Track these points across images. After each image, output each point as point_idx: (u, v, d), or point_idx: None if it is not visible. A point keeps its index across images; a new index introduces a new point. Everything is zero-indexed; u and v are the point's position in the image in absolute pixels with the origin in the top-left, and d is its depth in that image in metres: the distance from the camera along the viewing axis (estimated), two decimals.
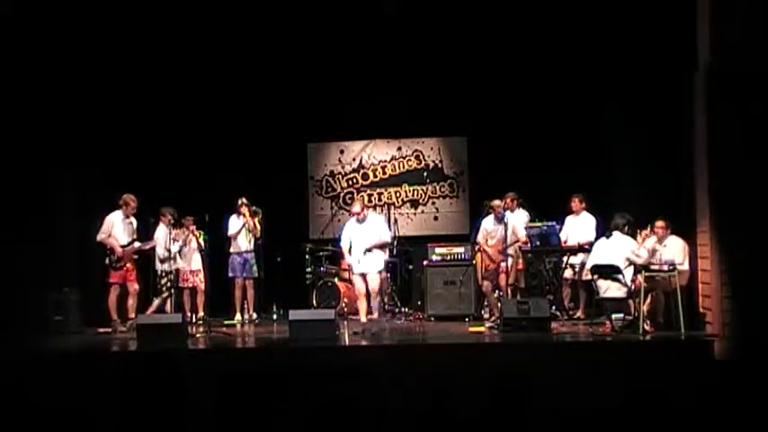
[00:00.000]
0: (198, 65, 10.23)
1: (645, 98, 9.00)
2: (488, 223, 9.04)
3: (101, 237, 8.96)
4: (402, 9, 9.53)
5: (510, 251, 8.78)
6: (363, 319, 8.67)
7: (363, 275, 8.60)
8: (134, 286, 9.02)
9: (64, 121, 9.36)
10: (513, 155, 10.55)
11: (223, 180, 10.55)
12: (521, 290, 9.20)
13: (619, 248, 8.06)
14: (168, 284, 9.04)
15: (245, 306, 9.80)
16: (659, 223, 8.23)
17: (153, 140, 10.43)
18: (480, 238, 9.09)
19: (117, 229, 8.99)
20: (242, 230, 9.66)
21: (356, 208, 8.87)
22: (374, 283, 8.61)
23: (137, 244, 9.06)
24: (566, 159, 10.27)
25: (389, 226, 11.28)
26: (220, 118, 10.86)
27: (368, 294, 8.71)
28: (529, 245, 9.02)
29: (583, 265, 8.97)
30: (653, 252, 8.07)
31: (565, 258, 9.14)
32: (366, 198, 11.73)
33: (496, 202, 8.90)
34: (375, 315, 8.70)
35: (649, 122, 8.97)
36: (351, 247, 8.70)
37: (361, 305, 8.74)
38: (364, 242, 8.62)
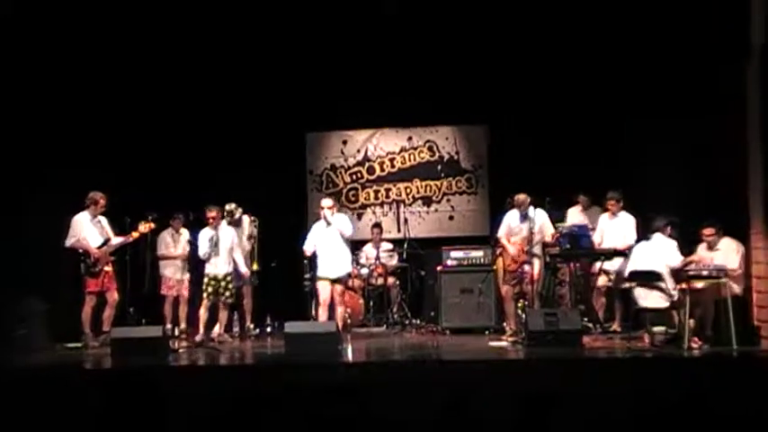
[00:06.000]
0: (184, 45, 10.23)
1: (689, 85, 8.97)
2: (512, 219, 9.01)
3: (70, 241, 8.95)
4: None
5: (535, 250, 8.71)
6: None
7: (332, 281, 8.83)
8: (113, 296, 9.01)
9: (43, 119, 9.52)
10: (538, 146, 10.49)
11: (211, 175, 10.56)
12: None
13: (659, 252, 8.02)
14: (226, 291, 9.02)
15: (242, 317, 9.81)
16: (706, 231, 8.20)
17: (133, 134, 10.48)
18: (503, 234, 9.05)
19: (86, 230, 8.98)
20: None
21: (328, 202, 9.07)
22: (340, 290, 8.93)
23: (114, 241, 9.04)
24: (598, 152, 10.23)
25: (398, 226, 11.29)
26: (207, 104, 10.84)
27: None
28: (558, 248, 8.95)
29: (619, 271, 8.92)
30: (699, 259, 8.08)
31: (598, 264, 9.11)
32: (372, 195, 11.73)
33: (521, 197, 8.87)
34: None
35: (694, 113, 8.93)
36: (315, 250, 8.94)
37: (325, 315, 8.84)
38: (332, 243, 8.87)
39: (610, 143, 10.21)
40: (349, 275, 9.29)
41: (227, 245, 9.09)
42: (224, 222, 9.28)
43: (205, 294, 8.95)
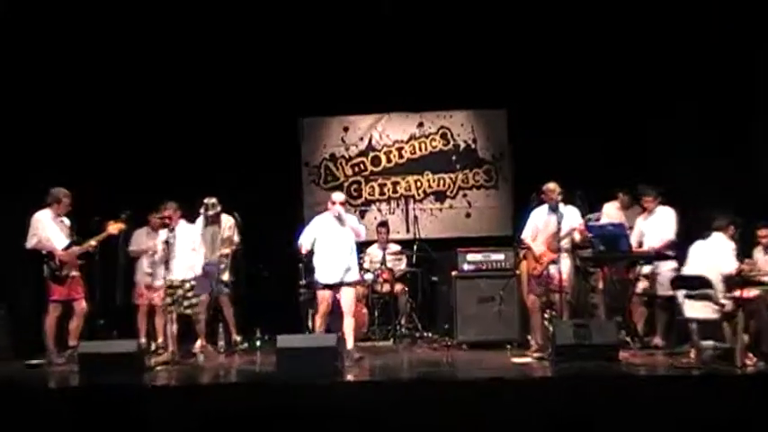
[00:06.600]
0: (159, 21, 10.27)
1: (729, 66, 9.20)
2: (539, 216, 8.97)
3: (31, 242, 8.91)
4: None
5: (564, 243, 8.68)
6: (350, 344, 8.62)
7: (336, 288, 8.63)
8: (81, 304, 8.98)
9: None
10: (567, 133, 10.50)
11: (190, 169, 10.58)
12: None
13: (714, 255, 7.98)
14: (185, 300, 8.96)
15: (227, 329, 9.77)
16: (762, 232, 8.31)
17: (101, 123, 10.56)
18: (527, 234, 9.02)
19: (49, 229, 8.95)
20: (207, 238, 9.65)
21: (341, 196, 8.86)
22: (350, 299, 8.68)
23: (75, 248, 9.01)
24: (637, 141, 10.25)
25: (407, 225, 11.24)
26: (184, 84, 10.82)
27: (330, 314, 8.73)
28: (590, 249, 8.90)
29: (662, 276, 8.88)
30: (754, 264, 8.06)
31: (637, 268, 9.06)
32: (377, 189, 11.73)
33: (551, 185, 8.83)
34: (350, 345, 8.57)
35: (736, 99, 9.10)
36: (313, 250, 8.73)
37: (322, 327, 8.73)
38: (342, 244, 8.66)
39: (652, 130, 10.23)
40: (358, 282, 9.10)
41: (186, 247, 8.99)
42: (200, 220, 9.28)
43: (163, 305, 8.91)
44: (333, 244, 8.67)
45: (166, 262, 8.90)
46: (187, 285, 8.94)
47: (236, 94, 11.00)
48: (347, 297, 8.65)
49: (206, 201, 9.46)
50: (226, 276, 9.73)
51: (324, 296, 8.68)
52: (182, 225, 9.07)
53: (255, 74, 10.88)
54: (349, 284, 8.67)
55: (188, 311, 8.96)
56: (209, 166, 10.71)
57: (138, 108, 10.85)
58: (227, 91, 10.99)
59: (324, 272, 8.66)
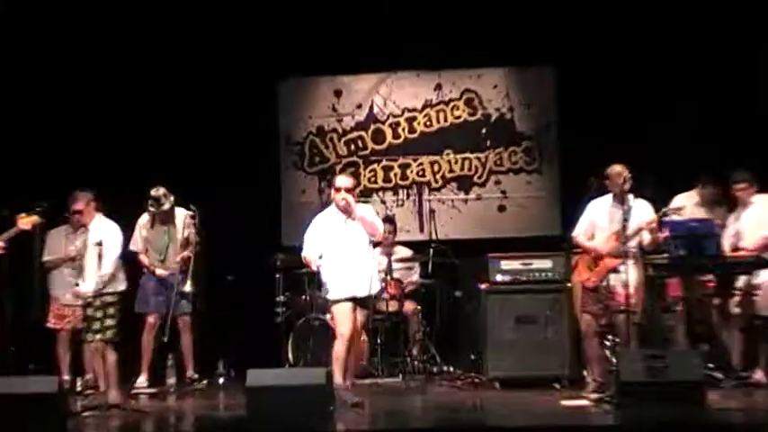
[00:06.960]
0: None
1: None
2: (598, 210, 8.89)
3: None
4: None
5: (631, 245, 8.56)
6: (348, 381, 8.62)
7: (357, 303, 8.52)
8: None
9: None
10: (636, 97, 10.55)
11: (130, 146, 10.70)
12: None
13: None
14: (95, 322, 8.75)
15: (180, 362, 9.82)
16: None
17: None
18: (581, 231, 8.93)
19: None
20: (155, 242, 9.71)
21: (347, 181, 8.70)
22: (364, 317, 8.71)
23: None
24: (718, 109, 10.44)
25: (421, 222, 11.16)
26: (121, 27, 10.82)
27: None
28: (667, 254, 8.80)
29: (754, 288, 8.87)
30: None
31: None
32: (381, 174, 11.73)
33: (617, 168, 8.71)
34: (348, 381, 8.55)
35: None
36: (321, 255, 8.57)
37: (344, 357, 8.51)
38: (356, 245, 8.57)
39: (732, 96, 10.51)
40: (375, 295, 8.95)
41: (106, 250, 8.77)
42: (144, 218, 9.45)
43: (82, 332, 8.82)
44: (347, 247, 8.54)
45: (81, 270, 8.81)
46: (98, 302, 8.73)
47: (192, 48, 11.02)
48: (363, 316, 8.59)
49: (153, 193, 9.43)
50: (188, 287, 9.65)
51: (346, 313, 8.42)
52: (99, 222, 8.87)
53: (218, 23, 10.91)
54: (369, 298, 8.61)
55: (97, 336, 8.68)
56: (156, 144, 10.76)
57: (62, 70, 10.89)
58: (181, 45, 11.00)
59: (346, 284, 8.48)
